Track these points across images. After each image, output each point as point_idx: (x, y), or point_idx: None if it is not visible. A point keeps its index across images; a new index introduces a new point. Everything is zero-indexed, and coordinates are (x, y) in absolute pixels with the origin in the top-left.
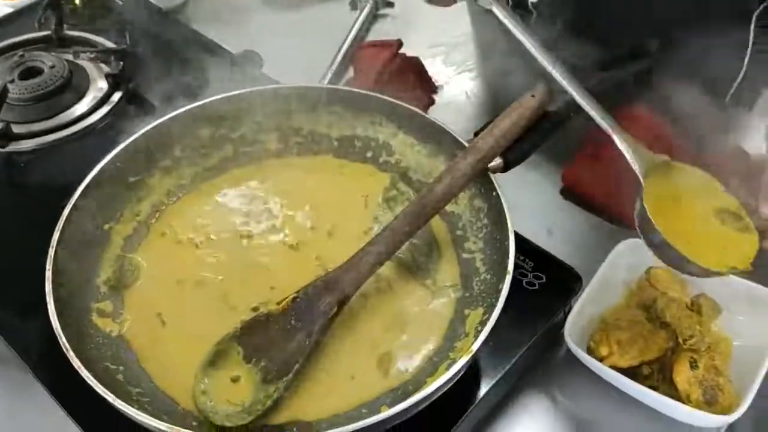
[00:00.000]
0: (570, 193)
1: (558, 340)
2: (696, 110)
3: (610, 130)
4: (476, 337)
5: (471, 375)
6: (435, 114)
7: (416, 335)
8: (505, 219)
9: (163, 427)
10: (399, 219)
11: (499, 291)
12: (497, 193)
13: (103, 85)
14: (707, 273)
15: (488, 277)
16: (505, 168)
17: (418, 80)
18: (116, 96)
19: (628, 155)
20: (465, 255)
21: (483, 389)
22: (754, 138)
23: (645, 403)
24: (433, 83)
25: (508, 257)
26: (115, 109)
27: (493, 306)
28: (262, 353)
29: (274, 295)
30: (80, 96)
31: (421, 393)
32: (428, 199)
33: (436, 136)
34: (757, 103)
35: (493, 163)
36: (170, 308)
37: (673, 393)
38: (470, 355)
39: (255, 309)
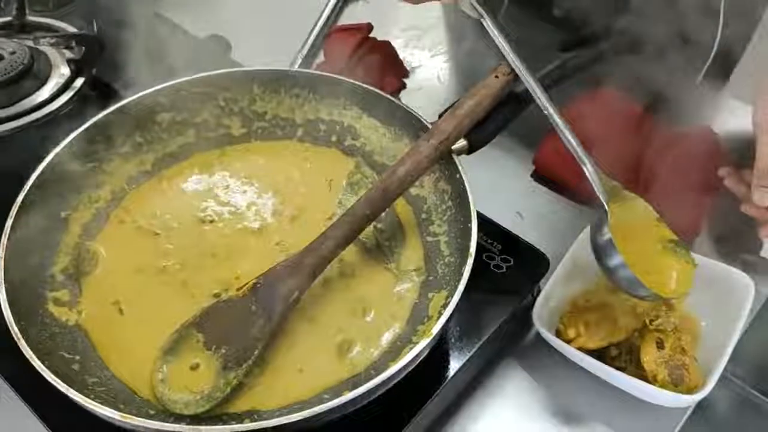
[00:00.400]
0: (541, 176)
1: (528, 323)
2: (667, 90)
3: (582, 156)
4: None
5: (440, 357)
6: (406, 98)
7: (379, 320)
8: (468, 201)
9: (115, 416)
10: (360, 203)
11: (462, 274)
12: (460, 175)
13: (65, 71)
14: (658, 298)
15: (452, 260)
16: (470, 150)
17: (388, 64)
18: (79, 82)
19: (595, 183)
20: (429, 238)
21: (451, 371)
22: (726, 118)
23: (613, 384)
24: (404, 67)
25: (470, 239)
26: (77, 95)
27: (456, 289)
28: (223, 340)
29: (235, 282)
30: (42, 82)
31: (379, 377)
32: (389, 183)
33: (401, 119)
34: (729, 83)
35: (456, 145)
36: (129, 296)
37: (641, 374)
38: (430, 339)
39: (216, 295)
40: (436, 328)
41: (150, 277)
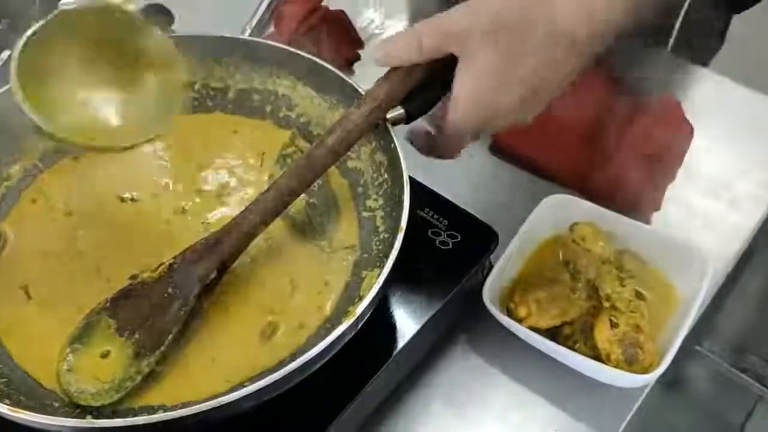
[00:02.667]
0: (499, 148)
1: (481, 301)
2: (632, 58)
3: None
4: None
5: (386, 335)
6: (360, 69)
7: (308, 301)
8: (401, 171)
9: (3, 409)
10: (285, 176)
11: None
12: (395, 145)
13: None
14: None
15: (387, 236)
16: (408, 118)
17: (340, 34)
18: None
19: None
20: (365, 213)
21: (396, 349)
22: (694, 88)
23: (566, 364)
24: (359, 37)
25: (402, 213)
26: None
27: (385, 266)
28: (136, 325)
29: (154, 265)
30: None
31: (298, 361)
32: (317, 154)
33: (336, 87)
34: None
35: (392, 114)
36: (38, 281)
37: (595, 353)
38: (352, 320)
39: (133, 278)
40: (360, 308)
41: (62, 261)
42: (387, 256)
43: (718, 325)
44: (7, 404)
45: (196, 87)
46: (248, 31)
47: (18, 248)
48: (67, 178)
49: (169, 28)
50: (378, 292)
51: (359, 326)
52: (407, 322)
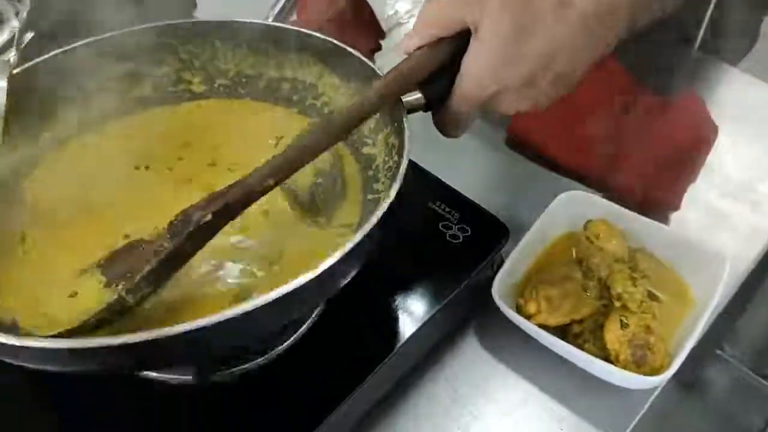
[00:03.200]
0: (516, 143)
1: (491, 296)
2: (658, 56)
3: None
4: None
5: (391, 327)
6: (380, 60)
7: (288, 272)
8: (404, 147)
9: None
10: (299, 138)
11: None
12: (404, 127)
13: (15, 24)
14: None
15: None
16: (428, 105)
17: (363, 23)
18: (28, 36)
19: None
20: (370, 196)
21: (400, 341)
22: (722, 87)
23: (574, 363)
24: (380, 27)
25: (394, 184)
26: (27, 49)
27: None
28: (123, 278)
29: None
30: None
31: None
32: (334, 119)
33: (362, 75)
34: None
35: (410, 98)
36: (40, 234)
37: (604, 353)
38: (315, 275)
39: (126, 237)
40: (324, 266)
41: (67, 220)
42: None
43: (739, 330)
44: None
45: (230, 74)
46: (270, 19)
47: (34, 203)
48: (90, 147)
49: (192, 10)
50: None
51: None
52: (413, 315)
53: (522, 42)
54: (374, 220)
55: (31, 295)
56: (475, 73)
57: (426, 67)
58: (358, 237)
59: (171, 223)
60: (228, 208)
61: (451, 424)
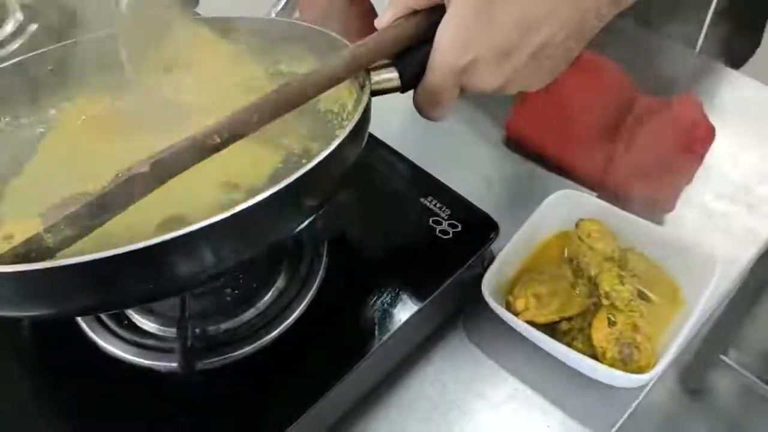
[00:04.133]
0: (514, 142)
1: (481, 292)
2: (657, 57)
3: None
4: None
5: (378, 320)
6: None
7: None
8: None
9: None
10: (256, 101)
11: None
12: (367, 84)
13: (20, 16)
14: None
15: None
16: (404, 86)
17: (364, 19)
18: (32, 27)
19: None
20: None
21: (386, 334)
22: (721, 89)
23: (562, 360)
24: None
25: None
26: (30, 40)
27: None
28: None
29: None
30: None
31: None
32: (292, 86)
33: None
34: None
35: (385, 76)
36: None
37: (592, 351)
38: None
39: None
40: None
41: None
42: None
43: (745, 336)
44: None
45: None
46: (273, 16)
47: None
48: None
49: (194, 7)
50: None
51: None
52: (401, 308)
53: (494, 10)
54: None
55: None
56: (446, 44)
57: (397, 40)
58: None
59: (116, 175)
60: (165, 164)
61: (439, 419)
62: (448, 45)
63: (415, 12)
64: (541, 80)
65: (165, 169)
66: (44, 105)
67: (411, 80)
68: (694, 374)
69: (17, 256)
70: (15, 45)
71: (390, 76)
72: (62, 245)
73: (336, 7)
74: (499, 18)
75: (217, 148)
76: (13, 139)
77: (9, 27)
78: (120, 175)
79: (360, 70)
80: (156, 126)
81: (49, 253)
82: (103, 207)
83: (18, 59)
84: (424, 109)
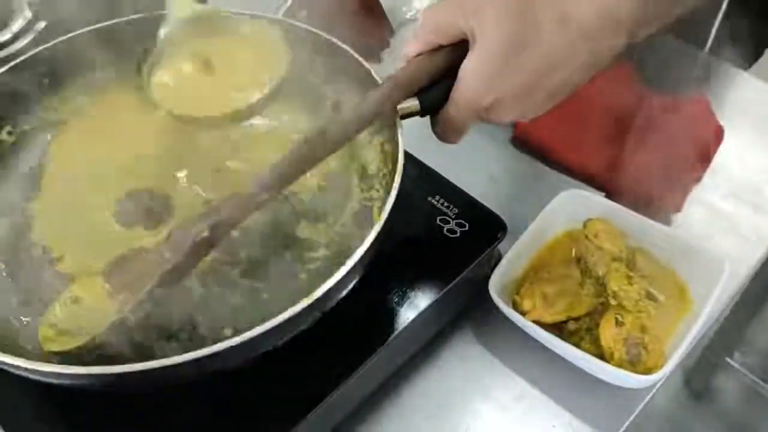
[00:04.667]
0: (521, 140)
1: (488, 291)
2: (667, 58)
3: None
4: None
5: (384, 319)
6: (389, 56)
7: (273, 302)
8: (397, 164)
9: None
10: (294, 149)
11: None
12: (398, 137)
13: (28, 14)
14: None
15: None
16: (423, 112)
17: (371, 19)
18: (40, 25)
19: None
20: (366, 203)
21: (393, 334)
22: (730, 90)
23: (569, 360)
24: (389, 23)
25: (386, 206)
26: (38, 38)
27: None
28: (127, 288)
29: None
30: (3, 25)
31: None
32: (329, 129)
33: (361, 81)
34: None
35: (405, 104)
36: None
37: (599, 351)
38: (310, 300)
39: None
40: (317, 293)
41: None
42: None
43: (750, 339)
44: None
45: None
46: (280, 14)
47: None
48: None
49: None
50: (342, 281)
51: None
52: (408, 308)
53: (519, 53)
54: (360, 252)
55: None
56: (471, 83)
57: (423, 75)
58: (348, 264)
59: (170, 233)
60: (225, 220)
61: (444, 418)
62: (473, 86)
63: (438, 48)
64: (549, 107)
65: (222, 230)
66: (44, 109)
67: (431, 108)
68: (699, 376)
69: (101, 347)
70: (23, 42)
71: (411, 104)
72: (143, 320)
73: (343, 8)
74: (522, 62)
75: (264, 204)
76: (21, 151)
77: (17, 24)
78: (173, 234)
79: (390, 110)
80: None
81: (130, 332)
82: (177, 275)
83: (6, 66)
84: (444, 136)
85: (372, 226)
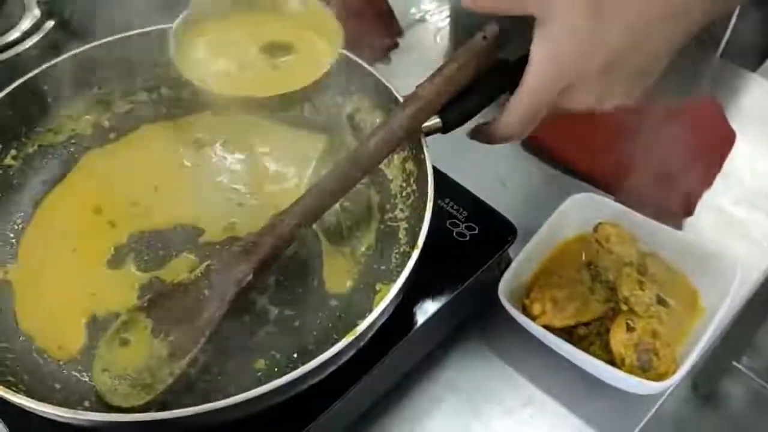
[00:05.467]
0: (532, 144)
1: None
2: (678, 61)
3: None
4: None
5: (394, 323)
6: (396, 57)
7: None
8: (428, 185)
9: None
10: (326, 178)
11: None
12: (425, 156)
13: (37, 12)
14: None
15: (407, 249)
16: (444, 129)
17: (379, 21)
18: (49, 24)
19: None
20: (390, 223)
21: (402, 338)
22: (742, 93)
23: (578, 365)
24: (398, 24)
25: (422, 228)
26: (46, 38)
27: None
28: (171, 326)
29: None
30: (13, 24)
31: (289, 375)
32: (360, 155)
33: (376, 89)
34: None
35: (429, 123)
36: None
37: (610, 356)
38: (353, 338)
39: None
40: (361, 327)
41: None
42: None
43: (758, 343)
44: (25, 381)
45: None
46: None
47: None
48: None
49: None
50: (384, 310)
51: (362, 342)
52: (416, 311)
53: (597, 32)
54: (399, 282)
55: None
56: (543, 67)
57: (448, 92)
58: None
59: (208, 267)
60: (265, 260)
61: (453, 423)
62: (547, 68)
63: (464, 64)
64: (627, 98)
65: (264, 269)
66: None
67: (452, 126)
68: (706, 380)
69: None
70: (32, 41)
71: (434, 122)
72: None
73: (349, 8)
74: (606, 34)
75: (302, 236)
76: (32, 174)
77: (26, 23)
78: (212, 274)
79: (424, 121)
80: None
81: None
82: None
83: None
84: (502, 133)
85: (396, 246)
